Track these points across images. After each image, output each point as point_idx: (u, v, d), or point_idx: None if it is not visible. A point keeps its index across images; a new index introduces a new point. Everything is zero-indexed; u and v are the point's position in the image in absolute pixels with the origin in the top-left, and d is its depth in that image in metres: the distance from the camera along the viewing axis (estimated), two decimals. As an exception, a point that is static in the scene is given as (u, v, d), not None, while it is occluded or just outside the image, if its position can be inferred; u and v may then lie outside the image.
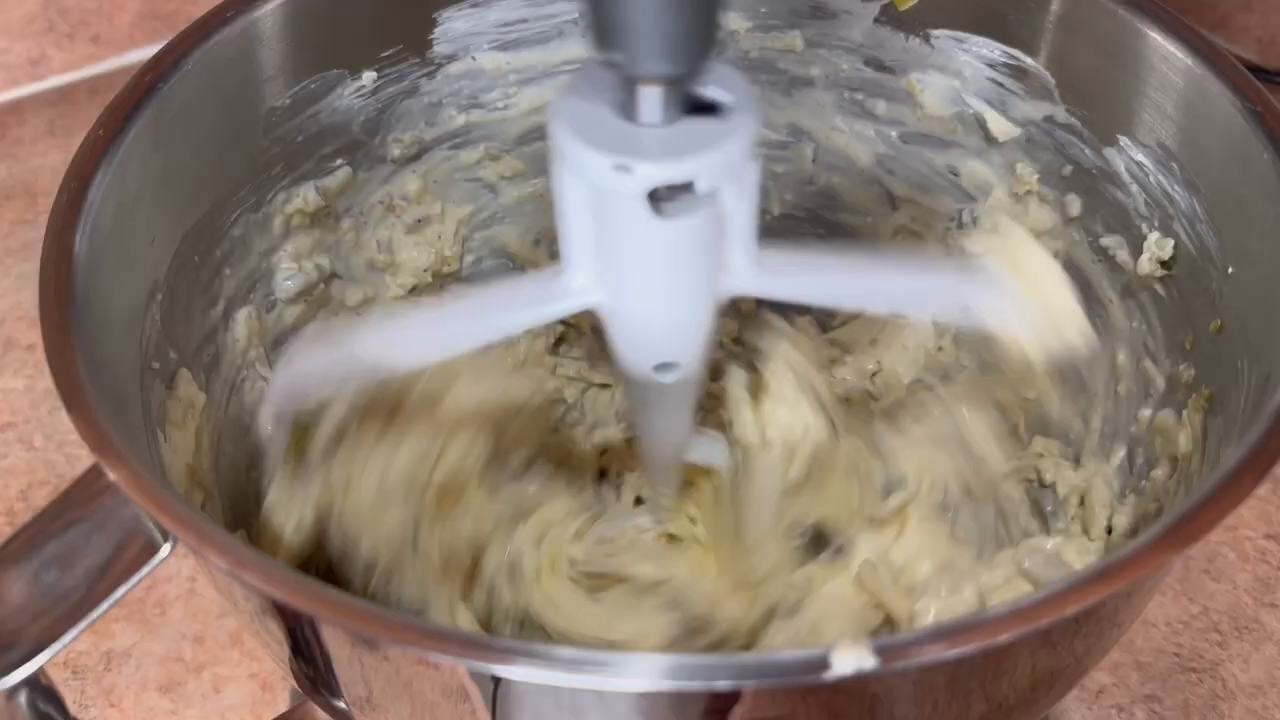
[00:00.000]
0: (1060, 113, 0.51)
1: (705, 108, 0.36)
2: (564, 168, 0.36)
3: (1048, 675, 0.39)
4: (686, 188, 0.35)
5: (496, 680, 0.33)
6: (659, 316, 0.40)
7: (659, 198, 0.36)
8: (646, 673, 0.30)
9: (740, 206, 0.37)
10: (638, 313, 0.40)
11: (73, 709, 0.56)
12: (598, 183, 0.35)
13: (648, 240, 0.37)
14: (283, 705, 0.59)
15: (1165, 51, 0.45)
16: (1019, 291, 0.42)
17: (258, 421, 0.48)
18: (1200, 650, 0.59)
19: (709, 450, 0.52)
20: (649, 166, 0.35)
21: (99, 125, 0.43)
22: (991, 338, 0.50)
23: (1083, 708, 0.57)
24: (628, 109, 0.35)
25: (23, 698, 0.35)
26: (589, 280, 0.39)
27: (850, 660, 0.29)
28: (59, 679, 0.58)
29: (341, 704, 0.41)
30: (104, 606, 0.35)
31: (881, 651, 0.29)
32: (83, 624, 0.35)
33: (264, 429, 0.49)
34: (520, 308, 0.41)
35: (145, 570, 0.35)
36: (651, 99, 0.34)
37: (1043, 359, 0.45)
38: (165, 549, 0.35)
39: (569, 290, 0.39)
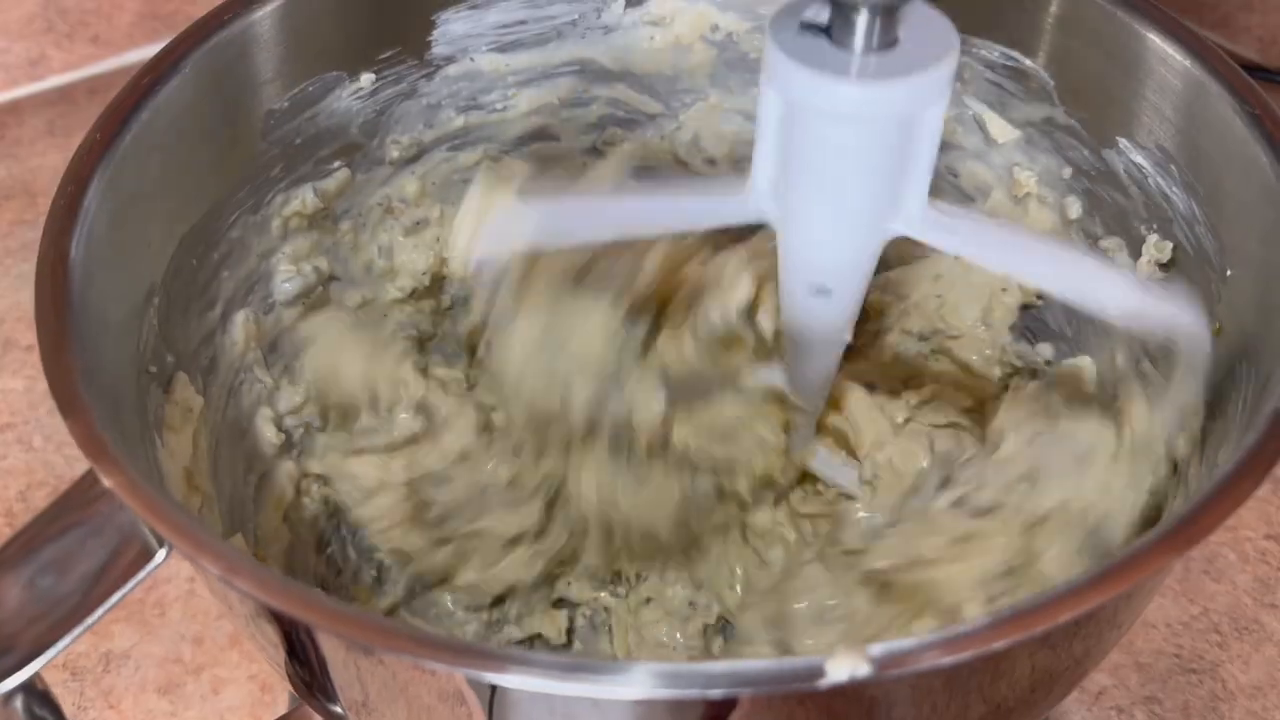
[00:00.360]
0: (1059, 114, 0.51)
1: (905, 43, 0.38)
2: (767, 80, 0.39)
3: (1047, 677, 0.38)
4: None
5: (494, 685, 0.33)
6: (824, 238, 0.42)
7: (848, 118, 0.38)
8: (642, 681, 0.30)
9: (922, 143, 0.39)
10: (805, 232, 0.42)
11: (71, 710, 0.57)
12: (796, 97, 0.38)
13: (829, 160, 0.39)
14: (282, 707, 0.59)
15: (1164, 53, 0.45)
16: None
17: (469, 267, 0.49)
18: (1200, 651, 0.59)
19: (841, 473, 0.52)
20: (849, 87, 0.37)
21: (96, 128, 0.43)
22: None
23: (1082, 709, 0.57)
24: (838, 33, 0.37)
25: (18, 703, 0.35)
26: (768, 193, 0.41)
27: (845, 668, 0.29)
28: (58, 680, 0.59)
29: (337, 708, 0.41)
30: (100, 612, 0.35)
31: (877, 659, 0.29)
32: (78, 629, 0.34)
33: (474, 274, 0.49)
34: (704, 205, 0.44)
35: (141, 575, 0.35)
36: (860, 25, 0.37)
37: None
38: (161, 554, 0.35)
39: (749, 201, 0.42)
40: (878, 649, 0.29)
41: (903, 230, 0.41)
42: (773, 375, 0.49)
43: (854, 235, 0.42)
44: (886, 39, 0.37)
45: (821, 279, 0.44)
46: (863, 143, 0.39)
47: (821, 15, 0.38)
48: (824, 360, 0.48)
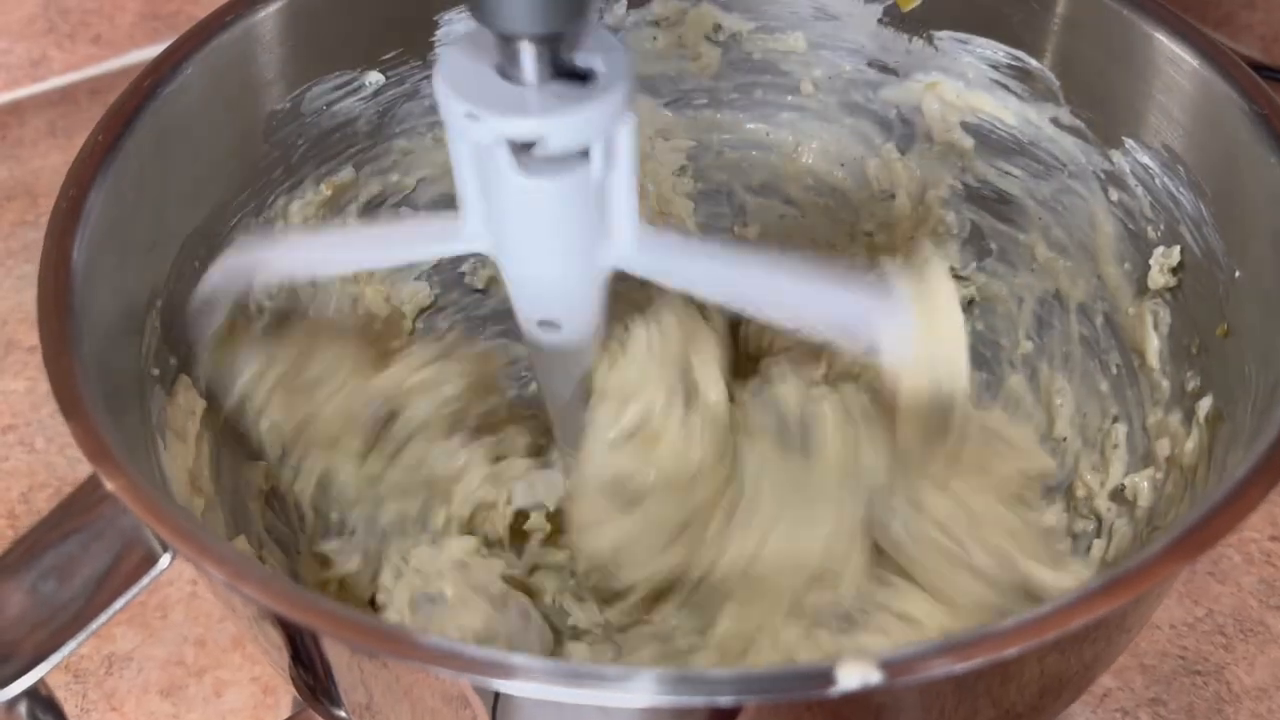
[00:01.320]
0: (1065, 115, 0.50)
1: (585, 73, 0.37)
2: (449, 124, 0.38)
3: (1056, 682, 0.38)
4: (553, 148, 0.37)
5: (497, 692, 0.33)
6: (536, 272, 0.41)
7: (530, 157, 0.37)
8: (647, 688, 0.30)
9: (614, 175, 0.38)
10: (517, 266, 0.42)
11: (74, 713, 0.57)
12: (454, 129, 0.37)
13: (518, 195, 0.38)
14: (284, 709, 0.58)
15: (1171, 53, 0.45)
16: (918, 324, 0.42)
17: (190, 302, 0.48)
18: (1205, 653, 0.59)
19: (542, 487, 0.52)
20: (497, 119, 0.36)
21: (98, 130, 0.42)
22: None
23: (1088, 711, 0.57)
24: (506, 68, 0.36)
25: (22, 709, 0.35)
26: (480, 227, 0.41)
27: (856, 675, 0.29)
28: (60, 682, 0.58)
29: (341, 712, 0.40)
30: (103, 618, 0.34)
31: (886, 666, 0.29)
32: (82, 635, 0.34)
33: (191, 308, 0.48)
34: (420, 240, 0.44)
35: (145, 581, 0.35)
36: (525, 57, 0.35)
37: (913, 397, 0.44)
38: (165, 559, 0.35)
39: (463, 233, 0.41)
40: (888, 655, 0.29)
41: (616, 260, 0.41)
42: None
43: (566, 270, 0.41)
44: (558, 70, 0.36)
45: (546, 313, 0.43)
46: (552, 181, 0.38)
47: (491, 53, 0.37)
48: (570, 391, 0.47)
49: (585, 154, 0.38)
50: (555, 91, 0.36)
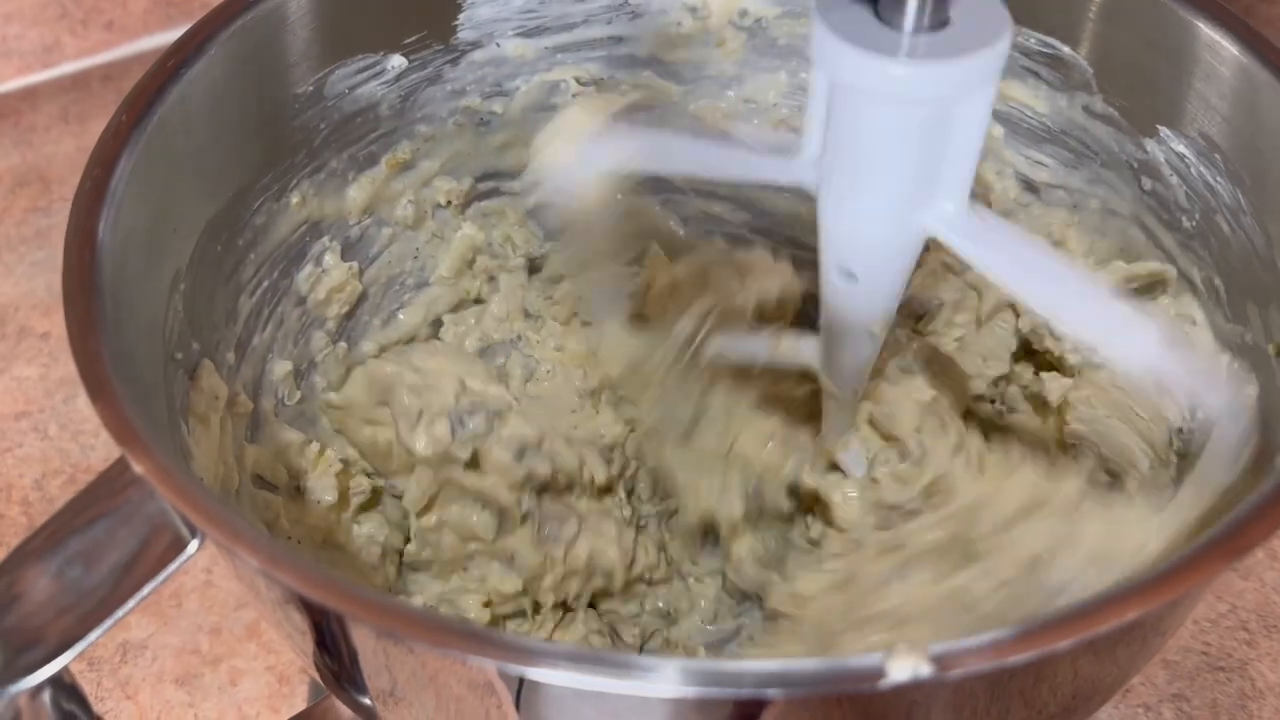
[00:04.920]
0: (1097, 103, 0.50)
1: (962, 29, 0.37)
2: (814, 56, 0.38)
3: (1089, 683, 0.38)
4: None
5: (522, 678, 0.32)
6: (852, 216, 0.41)
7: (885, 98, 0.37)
8: (678, 679, 0.29)
9: (965, 135, 0.38)
10: (835, 211, 0.41)
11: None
12: (841, 76, 0.37)
13: (867, 140, 0.38)
14: (300, 699, 0.58)
15: (1210, 40, 0.44)
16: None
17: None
18: (1229, 649, 0.59)
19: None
20: (897, 67, 0.36)
21: (122, 110, 0.42)
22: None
23: (1110, 707, 0.57)
24: (886, 11, 0.36)
25: (46, 696, 0.34)
26: (813, 162, 0.41)
27: (907, 667, 0.28)
28: (75, 670, 0.58)
29: (366, 699, 0.40)
30: (130, 604, 0.34)
31: (939, 659, 0.29)
32: (108, 622, 0.34)
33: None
34: (758, 161, 0.44)
35: (172, 567, 0.34)
36: (910, 3, 0.36)
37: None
38: (193, 545, 0.34)
39: (794, 165, 0.42)
40: (939, 648, 0.29)
41: (934, 227, 0.40)
42: (803, 348, 0.50)
43: (883, 221, 0.41)
44: (937, 19, 0.36)
45: (849, 262, 0.43)
46: (899, 125, 0.38)
47: None
48: (856, 350, 0.47)
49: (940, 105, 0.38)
50: (929, 41, 0.36)
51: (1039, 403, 0.55)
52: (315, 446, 0.52)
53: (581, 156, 0.46)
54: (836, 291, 0.44)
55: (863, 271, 0.43)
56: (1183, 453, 0.47)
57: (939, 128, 0.38)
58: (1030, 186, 0.54)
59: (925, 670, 0.28)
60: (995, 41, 0.36)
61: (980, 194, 0.55)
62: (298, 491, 0.51)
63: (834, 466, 0.52)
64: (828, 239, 0.43)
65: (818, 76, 0.38)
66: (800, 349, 0.50)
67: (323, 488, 0.51)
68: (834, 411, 0.51)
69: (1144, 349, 0.39)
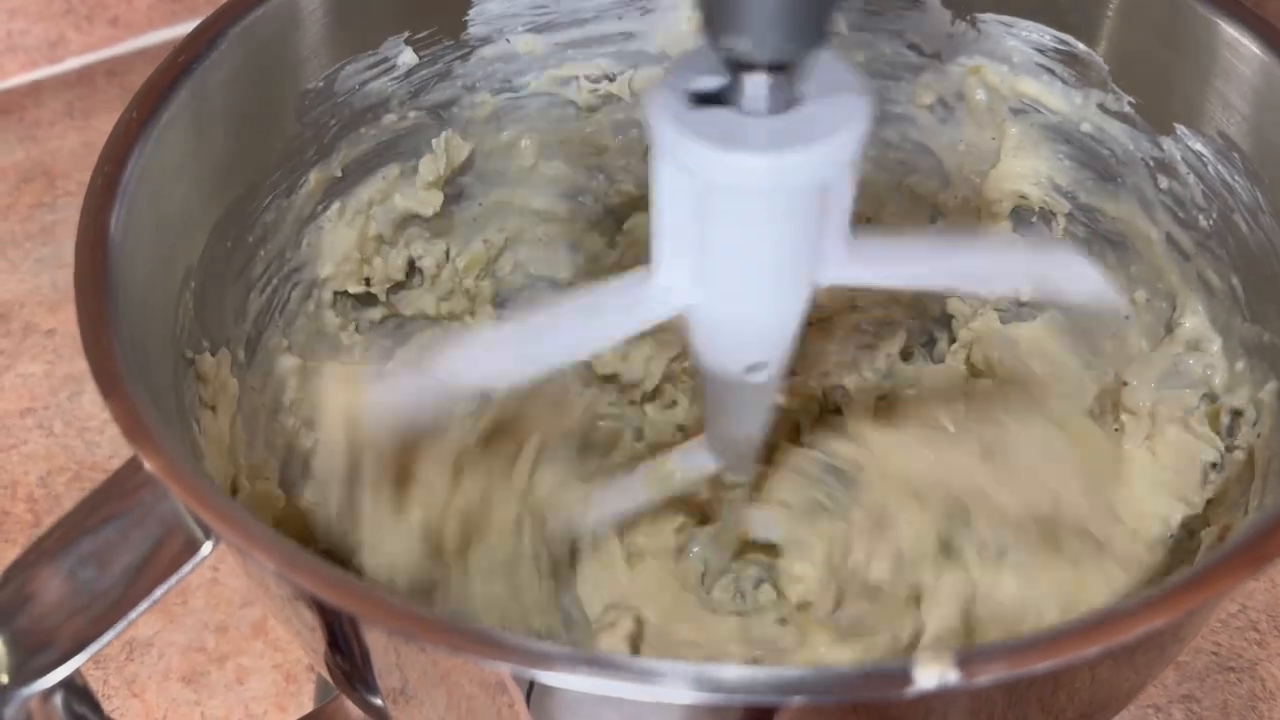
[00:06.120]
0: (1113, 100, 0.50)
1: (814, 106, 0.34)
2: (665, 162, 0.35)
3: (1106, 689, 0.38)
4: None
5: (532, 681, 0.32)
6: (757, 313, 0.39)
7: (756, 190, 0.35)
8: (694, 685, 0.29)
9: (842, 196, 0.36)
10: (735, 311, 0.38)
11: (96, 701, 0.56)
12: (709, 178, 0.34)
13: (754, 233, 0.35)
14: (306, 697, 0.58)
15: (1231, 38, 0.44)
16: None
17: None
18: (1239, 649, 0.58)
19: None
20: (765, 159, 0.33)
21: (133, 106, 0.41)
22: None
23: (1120, 710, 0.56)
24: (732, 98, 0.33)
25: (58, 699, 0.34)
26: (683, 283, 0.37)
27: (933, 674, 0.28)
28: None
29: (377, 700, 0.40)
30: (143, 606, 0.33)
31: (964, 663, 0.28)
32: (120, 625, 0.33)
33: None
34: (610, 318, 0.39)
35: (186, 569, 0.34)
36: (759, 87, 0.33)
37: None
38: (206, 547, 0.34)
39: (662, 295, 0.38)
40: (964, 653, 0.28)
41: (831, 276, 0.38)
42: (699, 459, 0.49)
43: (789, 302, 0.39)
44: (788, 99, 0.34)
45: (756, 356, 0.41)
46: (784, 209, 0.35)
47: (712, 82, 0.34)
48: (755, 428, 0.46)
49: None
50: (800, 119, 0.34)
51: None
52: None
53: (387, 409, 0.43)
54: (738, 388, 0.42)
55: (771, 356, 0.41)
56: None
57: (823, 196, 0.36)
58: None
59: (953, 677, 0.28)
60: (861, 108, 0.34)
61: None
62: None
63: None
64: (726, 346, 0.40)
65: (676, 185, 0.35)
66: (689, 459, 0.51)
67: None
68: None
69: (1018, 274, 0.42)
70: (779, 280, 0.37)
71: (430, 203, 0.55)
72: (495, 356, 0.39)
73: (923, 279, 0.43)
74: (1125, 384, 0.52)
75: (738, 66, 0.33)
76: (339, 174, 0.51)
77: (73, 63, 0.84)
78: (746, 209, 0.35)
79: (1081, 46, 0.49)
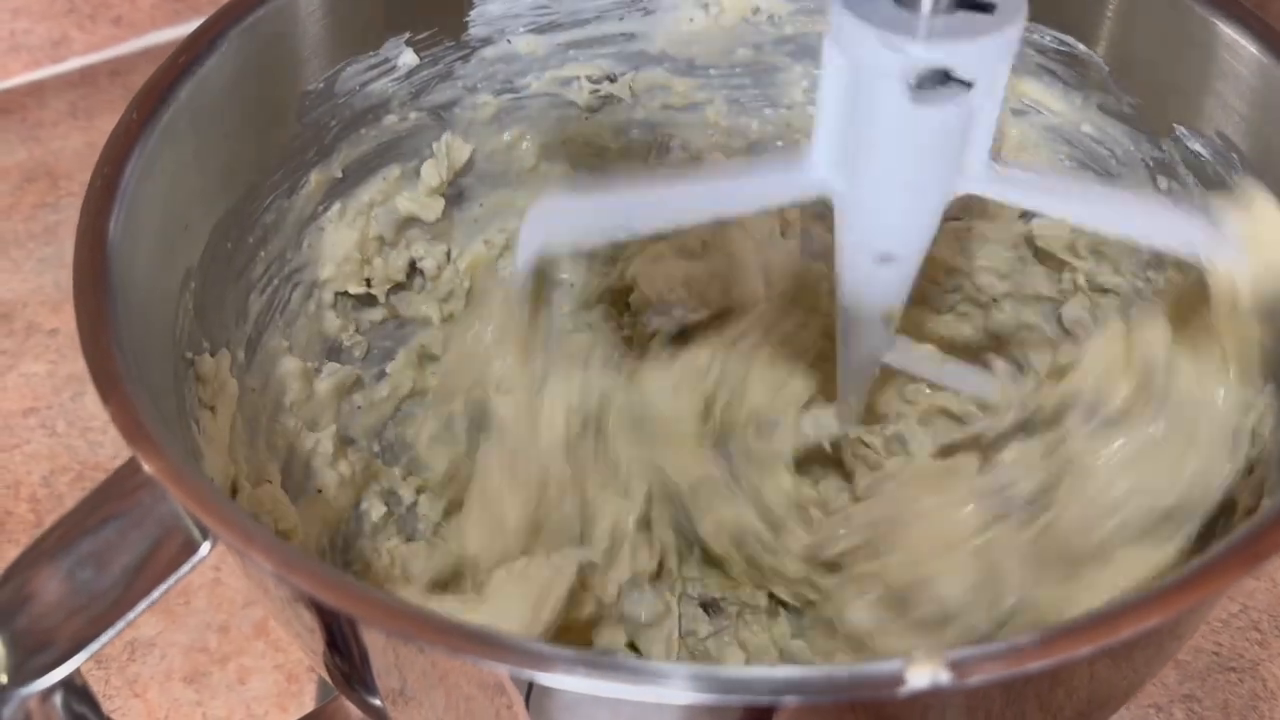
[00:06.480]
0: (1112, 101, 0.50)
1: (974, 5, 0.36)
2: (831, 42, 0.37)
3: (1105, 688, 0.38)
4: (945, 78, 0.37)
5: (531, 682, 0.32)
6: (893, 205, 0.41)
7: (918, 84, 0.37)
8: (691, 685, 0.29)
9: (988, 107, 0.38)
10: (873, 200, 0.41)
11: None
12: (863, 59, 0.36)
13: (900, 125, 0.38)
14: (308, 697, 0.58)
15: (1230, 39, 0.44)
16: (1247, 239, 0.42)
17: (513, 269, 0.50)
18: (1240, 649, 0.58)
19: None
20: (917, 48, 0.35)
21: (133, 108, 0.42)
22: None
23: (1120, 708, 0.56)
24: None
25: (57, 699, 0.34)
26: (830, 166, 0.40)
27: (925, 674, 0.28)
28: (82, 668, 0.58)
29: (376, 700, 0.40)
30: (141, 607, 0.34)
31: (957, 665, 0.28)
32: (119, 625, 0.33)
33: (516, 275, 0.50)
34: (760, 187, 0.42)
35: (184, 570, 0.34)
36: None
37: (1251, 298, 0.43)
38: (205, 547, 0.34)
39: (809, 175, 0.40)
40: (956, 654, 0.28)
41: (971, 188, 0.40)
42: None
43: (926, 198, 0.41)
44: (951, 2, 0.36)
45: (889, 246, 0.43)
46: (932, 107, 0.37)
47: None
48: (876, 338, 0.47)
49: (967, 84, 0.37)
50: (951, 21, 0.36)
51: None
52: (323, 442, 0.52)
53: (539, 238, 0.43)
54: (869, 278, 0.44)
55: (903, 250, 0.43)
56: None
57: (970, 103, 0.37)
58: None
59: (944, 677, 0.28)
60: (1014, 16, 0.36)
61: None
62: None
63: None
64: (862, 231, 0.42)
65: (834, 67, 0.38)
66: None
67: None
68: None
69: (1164, 227, 0.42)
70: (915, 175, 0.40)
71: (432, 208, 0.55)
72: (650, 200, 0.42)
73: (1056, 210, 0.44)
74: None
75: None
76: (340, 175, 0.51)
77: (76, 62, 0.84)
78: (896, 100, 0.37)
79: (1081, 47, 0.49)
